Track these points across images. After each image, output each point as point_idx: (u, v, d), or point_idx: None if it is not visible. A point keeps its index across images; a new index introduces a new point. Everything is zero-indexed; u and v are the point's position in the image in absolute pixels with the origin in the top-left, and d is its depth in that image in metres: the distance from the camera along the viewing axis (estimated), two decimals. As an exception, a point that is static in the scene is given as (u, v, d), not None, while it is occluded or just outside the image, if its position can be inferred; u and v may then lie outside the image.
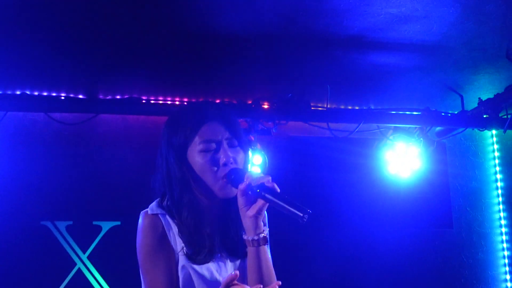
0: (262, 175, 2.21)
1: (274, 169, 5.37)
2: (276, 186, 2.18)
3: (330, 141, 5.75)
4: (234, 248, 2.37)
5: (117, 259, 5.26)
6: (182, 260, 2.29)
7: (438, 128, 5.87)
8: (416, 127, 5.70)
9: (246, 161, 2.40)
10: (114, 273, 5.29)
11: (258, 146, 5.33)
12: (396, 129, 5.72)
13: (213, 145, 2.29)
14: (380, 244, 5.90)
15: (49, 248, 5.26)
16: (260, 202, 2.19)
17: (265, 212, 2.31)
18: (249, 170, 2.40)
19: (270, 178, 2.19)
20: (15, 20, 3.97)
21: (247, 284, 2.25)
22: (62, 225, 5.29)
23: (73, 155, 5.44)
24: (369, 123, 5.63)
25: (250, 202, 2.21)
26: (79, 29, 4.14)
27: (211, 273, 2.29)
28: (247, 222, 2.23)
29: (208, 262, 2.29)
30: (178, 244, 2.31)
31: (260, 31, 4.21)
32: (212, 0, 3.74)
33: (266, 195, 2.15)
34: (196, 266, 2.28)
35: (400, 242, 5.98)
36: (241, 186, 2.20)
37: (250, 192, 2.19)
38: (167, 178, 2.36)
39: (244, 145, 2.39)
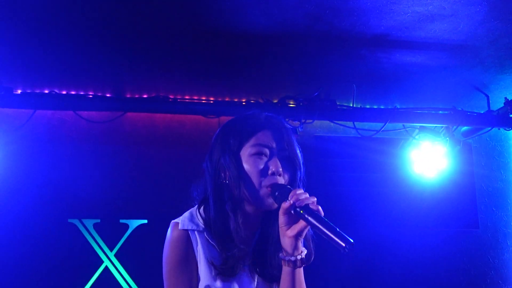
0: (307, 195, 2.10)
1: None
2: (320, 210, 2.08)
3: (355, 140, 5.74)
4: (265, 263, 2.30)
5: (143, 257, 5.30)
6: (205, 279, 2.24)
7: (464, 128, 5.83)
8: (442, 127, 5.67)
9: (294, 177, 2.31)
10: (140, 271, 5.32)
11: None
12: (422, 129, 5.68)
13: (266, 151, 2.24)
14: (405, 244, 5.88)
15: (77, 246, 5.30)
16: (302, 223, 2.10)
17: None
18: (295, 187, 2.24)
19: (315, 199, 2.10)
20: (43, 21, 4.02)
21: None
22: (89, 223, 5.34)
23: (101, 153, 5.48)
24: (395, 122, 5.61)
25: (291, 222, 2.13)
26: (106, 28, 4.19)
27: None
28: (285, 241, 2.15)
29: (234, 276, 2.23)
30: (202, 260, 2.25)
31: (286, 30, 4.22)
32: (238, -1, 3.77)
33: (309, 218, 2.05)
34: (219, 285, 2.23)
35: (425, 242, 5.95)
36: (285, 205, 2.10)
37: (293, 212, 2.10)
38: (215, 181, 2.28)
39: (296, 161, 2.31)
